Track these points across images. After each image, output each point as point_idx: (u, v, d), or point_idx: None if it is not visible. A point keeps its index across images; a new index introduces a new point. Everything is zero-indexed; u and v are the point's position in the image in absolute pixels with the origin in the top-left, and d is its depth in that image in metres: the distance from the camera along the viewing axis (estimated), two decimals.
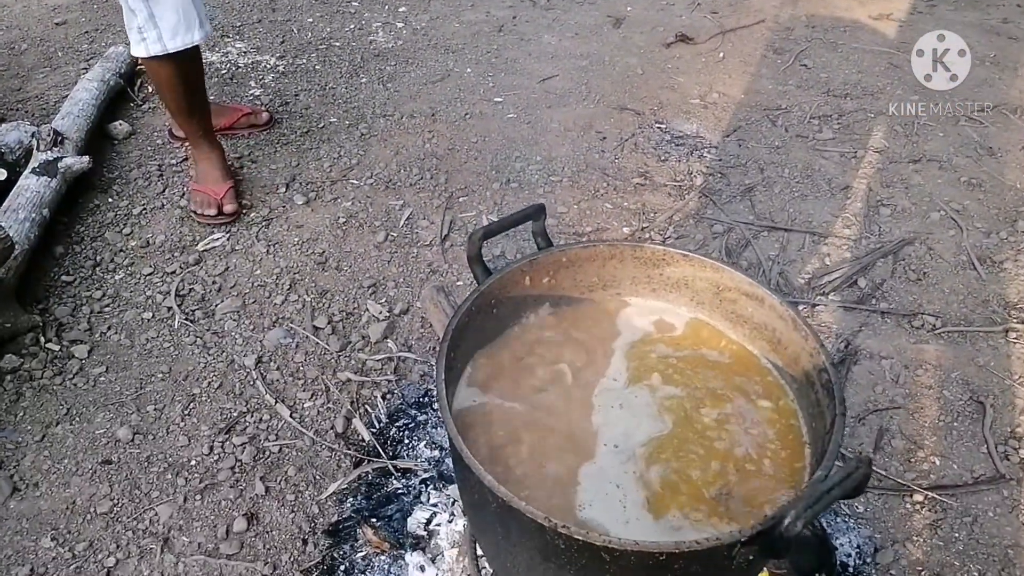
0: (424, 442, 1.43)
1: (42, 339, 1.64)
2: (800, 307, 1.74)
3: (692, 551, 0.72)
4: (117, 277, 1.82)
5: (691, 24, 2.89)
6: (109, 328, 1.69)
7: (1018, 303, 1.73)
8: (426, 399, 1.53)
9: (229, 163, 2.12)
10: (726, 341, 1.05)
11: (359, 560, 1.26)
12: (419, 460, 1.40)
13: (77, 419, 1.50)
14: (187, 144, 2.16)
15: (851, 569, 1.24)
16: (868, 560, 1.25)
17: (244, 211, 2.03)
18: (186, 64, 1.82)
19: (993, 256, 1.85)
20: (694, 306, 1.08)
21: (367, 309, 1.76)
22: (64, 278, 1.80)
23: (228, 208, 1.95)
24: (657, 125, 2.38)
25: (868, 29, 2.83)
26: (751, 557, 0.76)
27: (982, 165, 2.14)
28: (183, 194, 2.07)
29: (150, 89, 2.55)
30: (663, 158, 2.24)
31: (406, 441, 1.44)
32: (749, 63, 2.65)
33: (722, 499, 0.86)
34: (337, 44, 2.83)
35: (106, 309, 1.74)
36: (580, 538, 0.74)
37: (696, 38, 2.79)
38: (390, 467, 1.39)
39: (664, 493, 0.88)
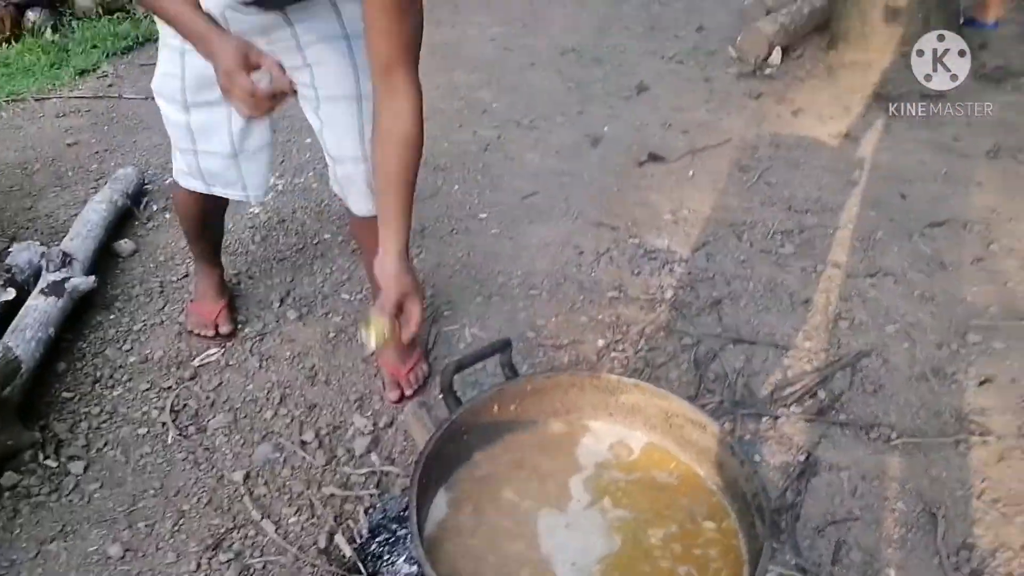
0: (403, 557, 1.49)
1: (41, 456, 1.72)
2: (763, 419, 1.83)
3: None
4: (116, 393, 1.92)
5: (663, 143, 3.10)
6: (106, 444, 1.77)
7: (969, 414, 1.83)
8: (406, 513, 1.60)
9: (227, 280, 2.24)
10: (676, 463, 1.15)
11: None
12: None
13: (71, 536, 1.56)
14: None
15: None
16: None
17: (240, 326, 2.14)
18: (201, 201, 1.85)
19: (945, 368, 1.96)
20: (648, 430, 1.19)
21: (353, 423, 1.85)
22: (65, 394, 1.90)
23: (224, 329, 2.07)
24: (631, 240, 2.53)
25: (828, 147, 3.04)
26: None
27: (935, 279, 2.28)
28: (182, 310, 2.19)
29: (155, 208, 2.71)
30: (636, 272, 2.38)
31: (386, 556, 1.50)
32: (717, 180, 2.84)
33: None
34: (321, 167, 3.02)
35: (104, 425, 1.83)
36: None
37: (668, 157, 3.00)
38: None
39: None
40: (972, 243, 2.44)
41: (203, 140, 1.67)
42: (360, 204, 1.71)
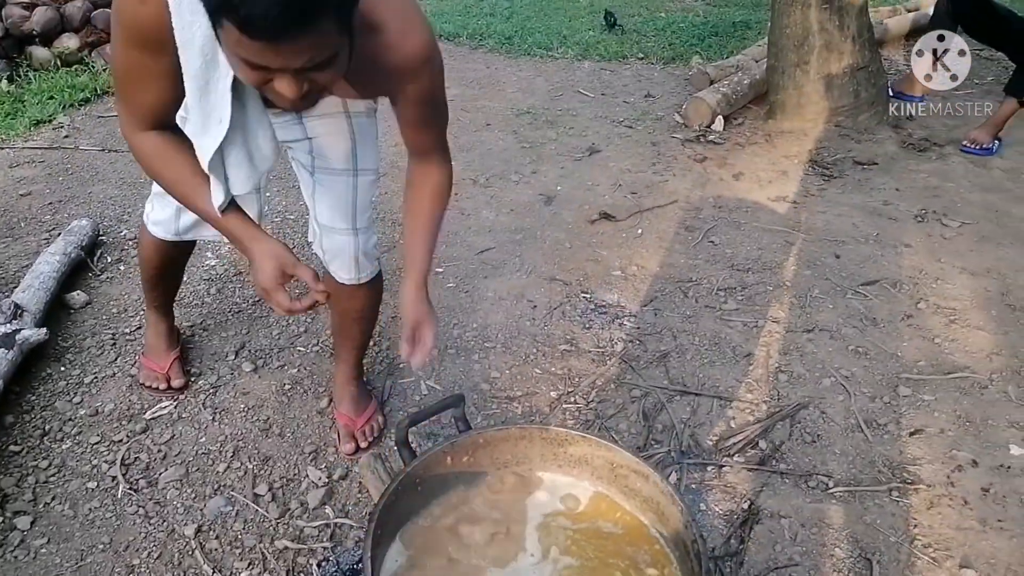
0: None
1: None
2: (708, 468, 1.90)
3: None
4: (64, 447, 1.90)
5: (613, 203, 3.23)
6: (53, 499, 1.74)
7: (901, 464, 1.93)
8: (360, 566, 1.61)
9: (180, 331, 2.25)
10: (621, 513, 1.20)
11: None
12: None
13: None
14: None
15: None
16: None
17: (194, 379, 2.15)
18: (165, 248, 1.86)
19: (878, 419, 2.07)
20: (595, 480, 1.24)
21: (307, 475, 1.86)
22: (12, 448, 1.87)
23: (176, 383, 2.06)
24: (583, 295, 2.62)
25: (767, 210, 3.20)
26: None
27: (867, 335, 2.42)
28: (135, 362, 2.19)
29: (108, 259, 2.71)
30: (587, 326, 2.47)
31: None
32: (664, 239, 2.96)
33: None
34: (292, 217, 3.07)
35: (52, 479, 1.80)
36: None
37: (617, 216, 3.12)
38: None
39: None
40: (902, 301, 2.59)
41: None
42: (343, 273, 1.74)
